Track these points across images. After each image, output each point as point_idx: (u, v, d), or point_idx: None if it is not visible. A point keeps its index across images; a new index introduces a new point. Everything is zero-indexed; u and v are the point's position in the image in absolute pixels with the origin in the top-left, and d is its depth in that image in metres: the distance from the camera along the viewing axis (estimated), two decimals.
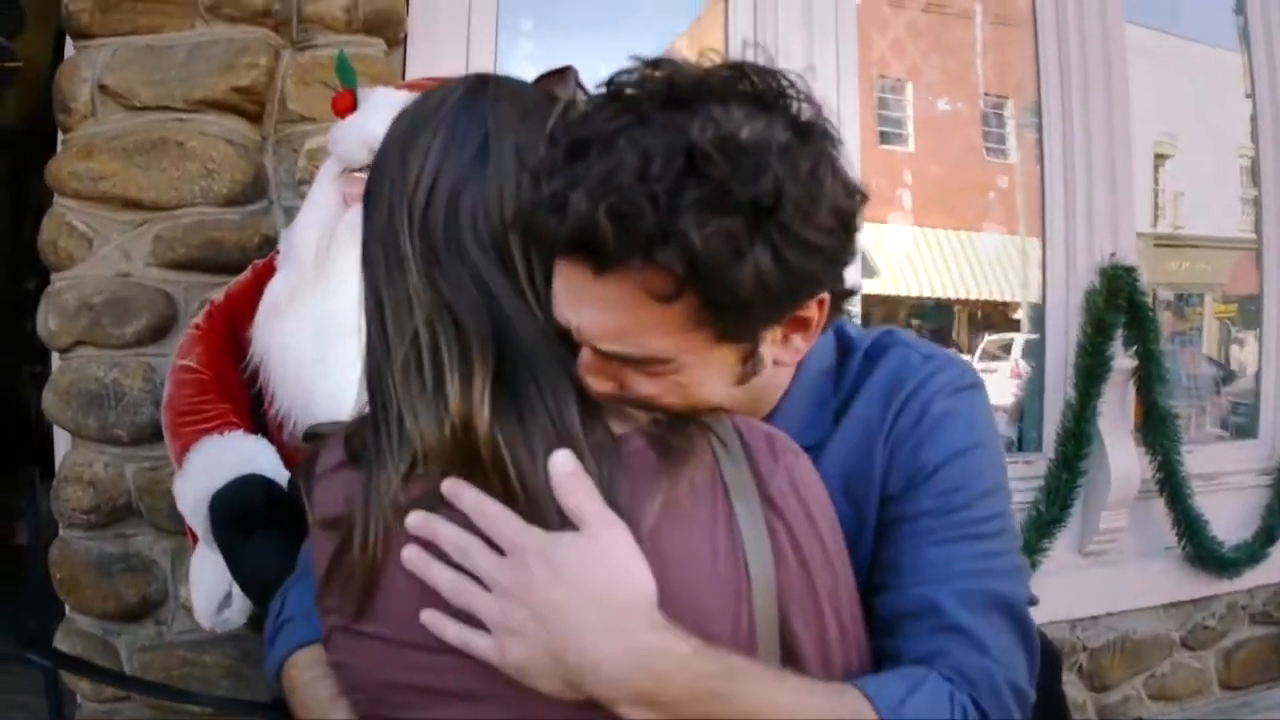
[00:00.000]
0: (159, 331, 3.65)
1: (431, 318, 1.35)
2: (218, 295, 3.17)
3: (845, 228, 1.37)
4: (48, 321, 3.66)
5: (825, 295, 1.43)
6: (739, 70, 1.33)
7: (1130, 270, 5.20)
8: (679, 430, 1.35)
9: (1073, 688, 5.28)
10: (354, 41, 3.85)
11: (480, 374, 1.32)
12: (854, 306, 4.46)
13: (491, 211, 1.35)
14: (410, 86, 3.08)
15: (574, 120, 1.33)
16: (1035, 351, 5.50)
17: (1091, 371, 5.11)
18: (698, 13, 5.02)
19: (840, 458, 1.59)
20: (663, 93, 1.29)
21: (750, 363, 1.42)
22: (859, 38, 5.15)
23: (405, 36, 4.18)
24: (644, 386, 1.39)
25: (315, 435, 2.74)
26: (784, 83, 1.34)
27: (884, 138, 5.72)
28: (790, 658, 1.34)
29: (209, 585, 2.97)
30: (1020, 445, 5.50)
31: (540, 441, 1.30)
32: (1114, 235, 5.36)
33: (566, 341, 1.35)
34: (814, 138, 1.33)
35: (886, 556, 1.55)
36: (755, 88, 1.32)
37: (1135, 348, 5.20)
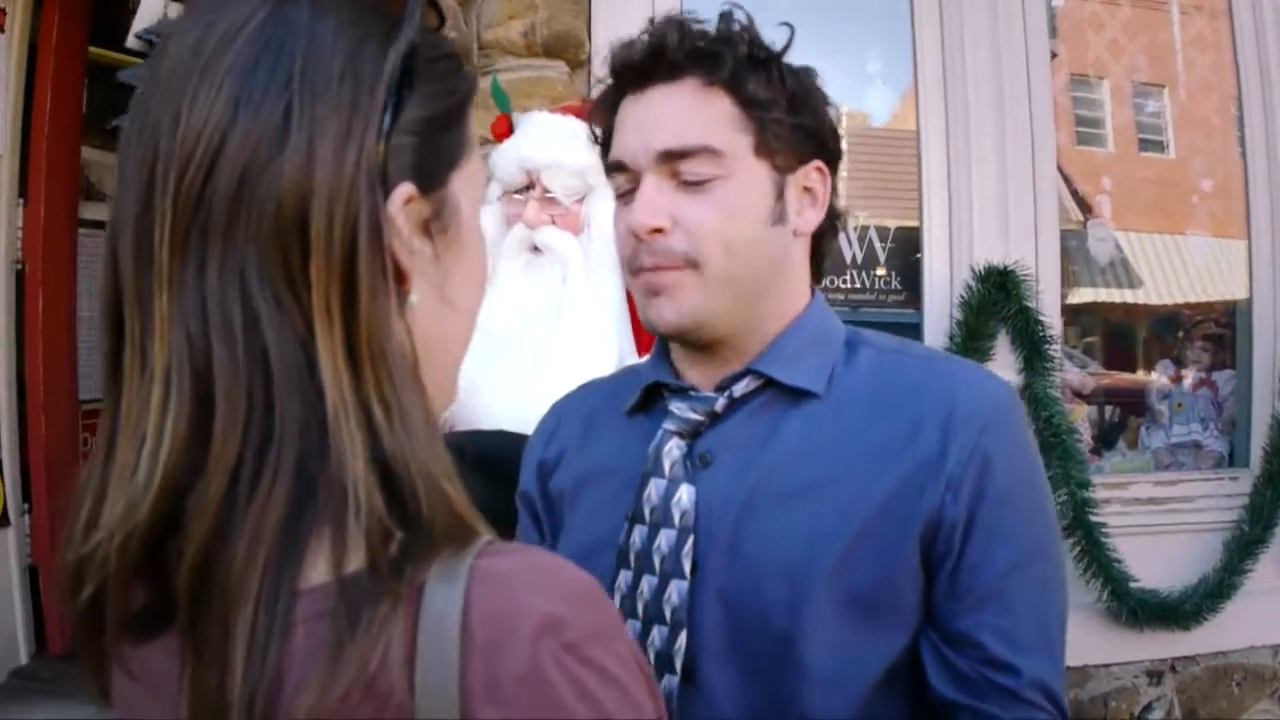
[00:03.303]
0: None
1: (170, 354, 0.95)
2: None
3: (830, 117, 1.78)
4: None
5: (824, 166, 1.75)
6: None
7: None
8: (379, 592, 0.91)
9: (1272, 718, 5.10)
10: (534, 65, 3.95)
11: (222, 468, 0.92)
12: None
13: (287, 204, 0.93)
14: (565, 109, 3.15)
15: None
16: (1244, 362, 5.27)
17: None
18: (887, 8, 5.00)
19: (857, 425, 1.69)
20: None
21: (780, 203, 1.70)
22: (1070, 39, 5.09)
23: (589, 58, 4.24)
24: (695, 211, 1.65)
25: (451, 444, 2.82)
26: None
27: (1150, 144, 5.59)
28: None
29: None
30: (1231, 460, 5.28)
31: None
32: None
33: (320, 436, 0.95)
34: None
35: None
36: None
37: None
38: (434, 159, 1.04)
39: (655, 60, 1.67)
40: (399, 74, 0.99)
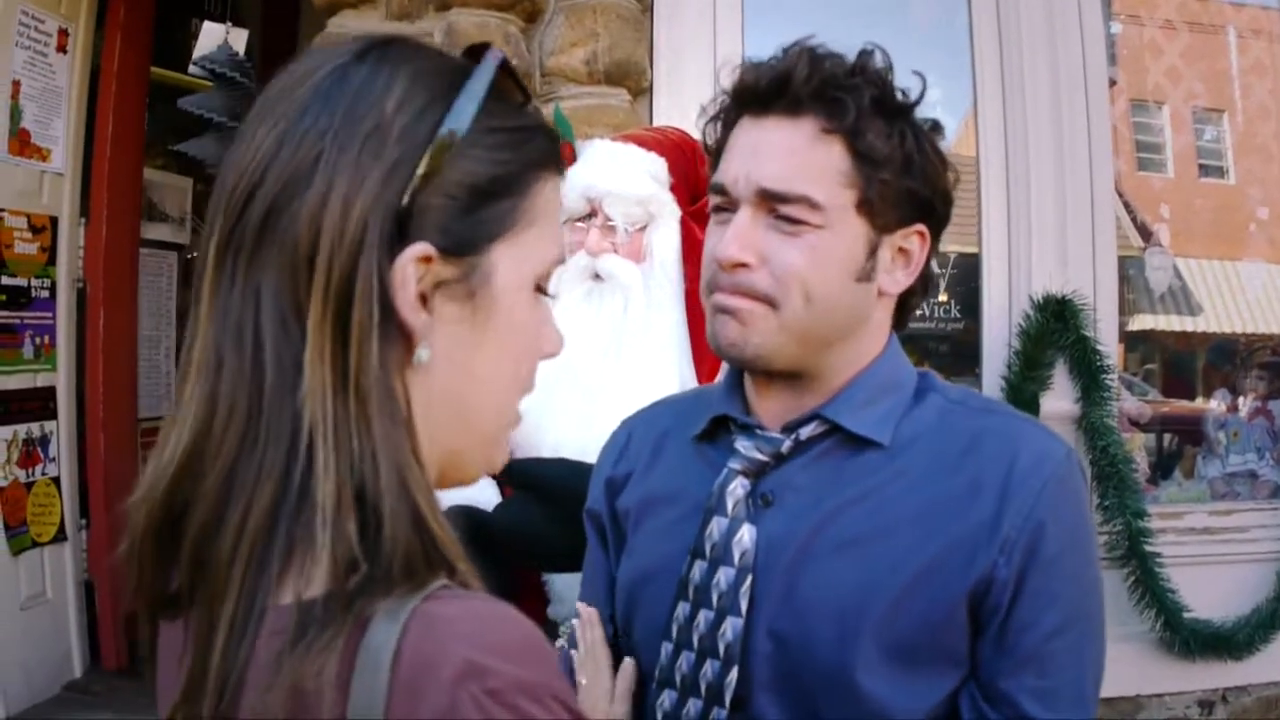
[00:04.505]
0: None
1: (203, 353, 1.05)
2: None
3: (948, 171, 1.74)
4: None
5: (926, 231, 1.72)
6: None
7: None
8: (326, 620, 0.95)
9: None
10: (596, 92, 3.97)
11: (220, 464, 1.01)
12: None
13: (302, 241, 1.01)
14: (626, 137, 3.16)
15: None
16: None
17: None
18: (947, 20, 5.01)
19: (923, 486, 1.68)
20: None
21: (871, 262, 1.67)
22: (1129, 65, 5.09)
23: (650, 85, 4.27)
24: (784, 252, 1.63)
25: (511, 471, 2.84)
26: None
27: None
28: None
29: None
30: None
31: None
32: None
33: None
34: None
35: None
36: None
37: None
38: (468, 225, 1.08)
39: (779, 90, 1.65)
40: (436, 137, 1.05)
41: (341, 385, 0.99)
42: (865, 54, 1.67)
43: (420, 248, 1.03)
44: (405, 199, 1.03)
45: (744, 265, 1.64)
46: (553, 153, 1.17)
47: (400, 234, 1.03)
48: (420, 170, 1.03)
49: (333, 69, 1.07)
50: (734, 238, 1.64)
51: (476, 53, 1.13)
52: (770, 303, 1.64)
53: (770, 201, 1.64)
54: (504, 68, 1.12)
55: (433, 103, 1.06)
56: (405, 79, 1.06)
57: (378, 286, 1.01)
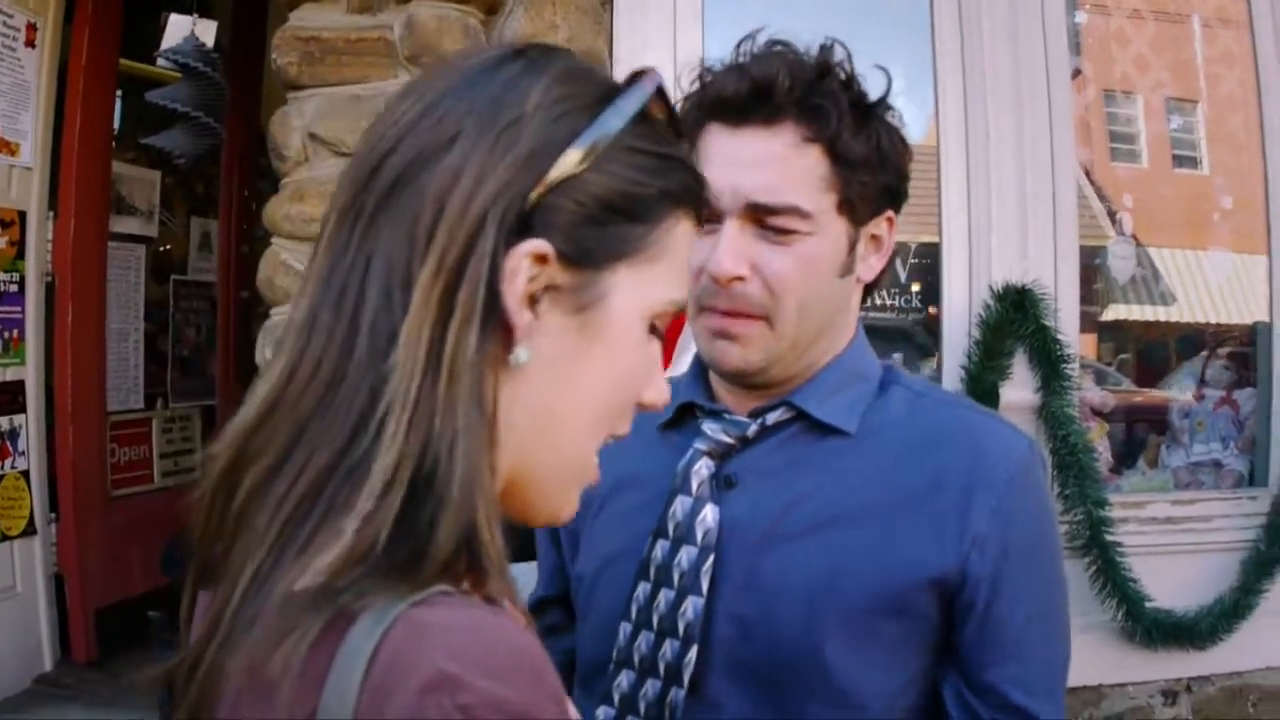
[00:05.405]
0: None
1: (302, 320, 1.05)
2: None
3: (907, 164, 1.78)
4: (264, 351, 3.89)
5: (893, 215, 1.78)
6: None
7: None
8: (310, 609, 0.92)
9: None
10: None
11: (291, 420, 1.01)
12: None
13: (424, 215, 1.01)
14: None
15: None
16: (1264, 380, 5.20)
17: None
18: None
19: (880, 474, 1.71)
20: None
21: (851, 256, 1.73)
22: (1095, 55, 5.11)
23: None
24: (775, 261, 1.66)
25: None
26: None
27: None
28: None
29: None
30: (1251, 480, 5.23)
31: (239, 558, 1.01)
32: None
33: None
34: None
35: None
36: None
37: None
38: (592, 237, 1.06)
39: (760, 101, 1.66)
40: (575, 142, 1.03)
41: (434, 364, 0.97)
42: (826, 49, 1.69)
43: (538, 244, 1.02)
44: (534, 194, 1.02)
45: (739, 279, 1.66)
46: (693, 192, 1.16)
47: (522, 227, 1.02)
48: (553, 170, 1.03)
49: (486, 60, 1.09)
50: (727, 252, 1.66)
51: (639, 77, 1.12)
52: (765, 319, 1.68)
53: (758, 213, 1.66)
54: (659, 95, 1.12)
55: (578, 109, 1.05)
56: (556, 81, 1.06)
57: (488, 272, 0.99)
